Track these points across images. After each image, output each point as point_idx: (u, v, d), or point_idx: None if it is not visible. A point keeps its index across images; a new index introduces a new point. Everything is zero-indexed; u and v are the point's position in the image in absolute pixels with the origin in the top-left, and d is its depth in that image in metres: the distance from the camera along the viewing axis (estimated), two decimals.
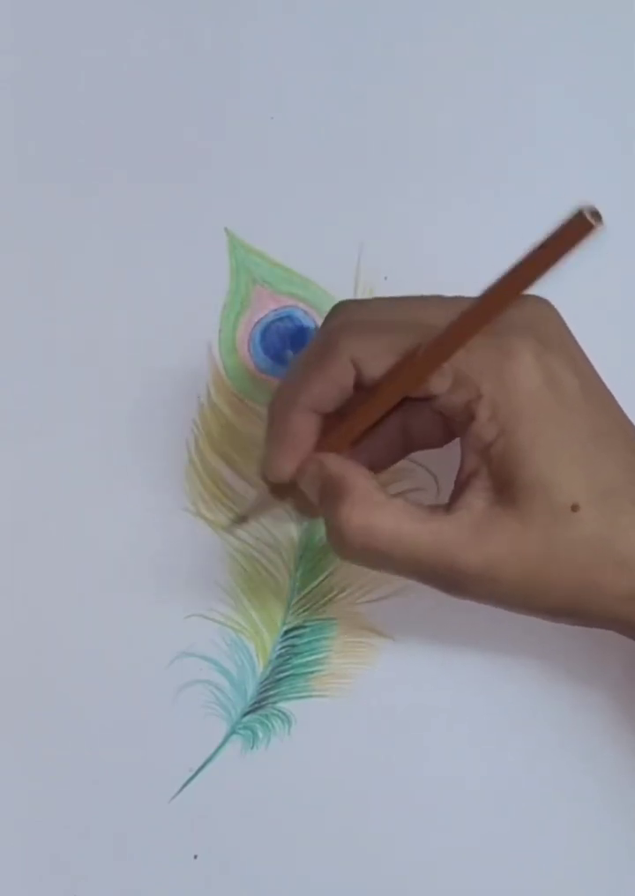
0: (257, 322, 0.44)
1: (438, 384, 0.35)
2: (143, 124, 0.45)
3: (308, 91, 0.45)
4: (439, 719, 0.43)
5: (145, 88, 0.45)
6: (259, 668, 0.43)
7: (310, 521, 0.43)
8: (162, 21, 0.45)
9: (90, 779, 0.43)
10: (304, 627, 0.43)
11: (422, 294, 0.37)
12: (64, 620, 0.43)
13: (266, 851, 0.43)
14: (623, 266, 0.44)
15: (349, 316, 0.37)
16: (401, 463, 0.41)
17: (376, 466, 0.39)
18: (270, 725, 0.43)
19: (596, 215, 0.29)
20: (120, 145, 0.45)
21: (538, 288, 0.32)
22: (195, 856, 0.43)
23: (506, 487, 0.34)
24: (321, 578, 0.44)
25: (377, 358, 0.35)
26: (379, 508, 0.35)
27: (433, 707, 0.43)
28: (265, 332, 0.44)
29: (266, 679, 0.43)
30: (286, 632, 0.43)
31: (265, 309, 0.44)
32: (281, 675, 0.43)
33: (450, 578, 0.35)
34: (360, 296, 0.44)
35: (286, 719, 0.43)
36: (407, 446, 0.40)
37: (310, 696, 0.43)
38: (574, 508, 0.34)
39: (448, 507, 0.35)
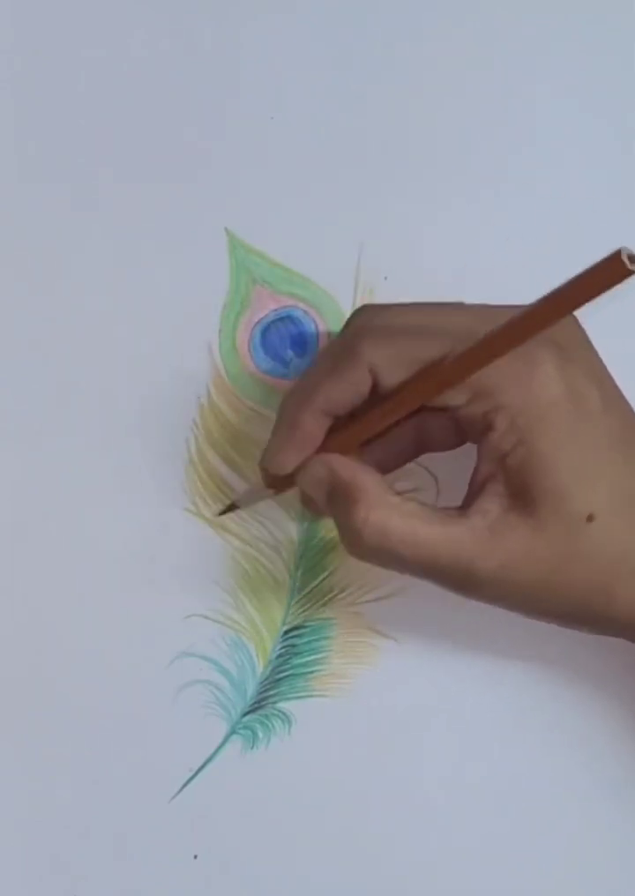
0: (258, 322, 0.44)
1: (456, 396, 0.35)
2: (143, 124, 0.45)
3: (308, 91, 0.45)
4: (439, 719, 0.43)
5: (145, 88, 0.45)
6: (259, 668, 0.43)
7: (310, 521, 0.43)
8: (162, 21, 0.45)
9: (90, 779, 0.43)
10: (304, 627, 0.43)
11: (444, 300, 0.37)
12: (64, 620, 0.43)
13: (266, 851, 0.43)
14: None
15: (370, 320, 0.37)
16: None
17: (384, 468, 0.39)
18: (270, 725, 0.43)
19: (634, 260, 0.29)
20: (120, 144, 0.45)
21: None
22: (195, 856, 0.43)
23: (522, 494, 0.34)
24: (321, 578, 0.44)
25: (396, 367, 0.35)
26: (394, 509, 0.35)
27: (433, 707, 0.43)
28: (266, 332, 0.44)
29: (266, 679, 0.43)
30: (286, 632, 0.43)
31: (265, 309, 0.44)
32: (281, 675, 0.43)
33: (463, 580, 0.35)
34: (360, 296, 0.44)
35: (286, 719, 0.43)
36: (417, 450, 0.40)
37: (310, 696, 0.43)
38: (590, 518, 0.34)
39: (462, 510, 0.35)
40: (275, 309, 0.44)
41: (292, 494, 0.42)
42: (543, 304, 0.32)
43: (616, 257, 0.29)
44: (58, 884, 0.42)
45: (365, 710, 0.43)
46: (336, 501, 0.36)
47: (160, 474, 0.43)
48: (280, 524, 0.44)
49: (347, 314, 0.39)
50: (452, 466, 0.38)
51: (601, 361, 0.36)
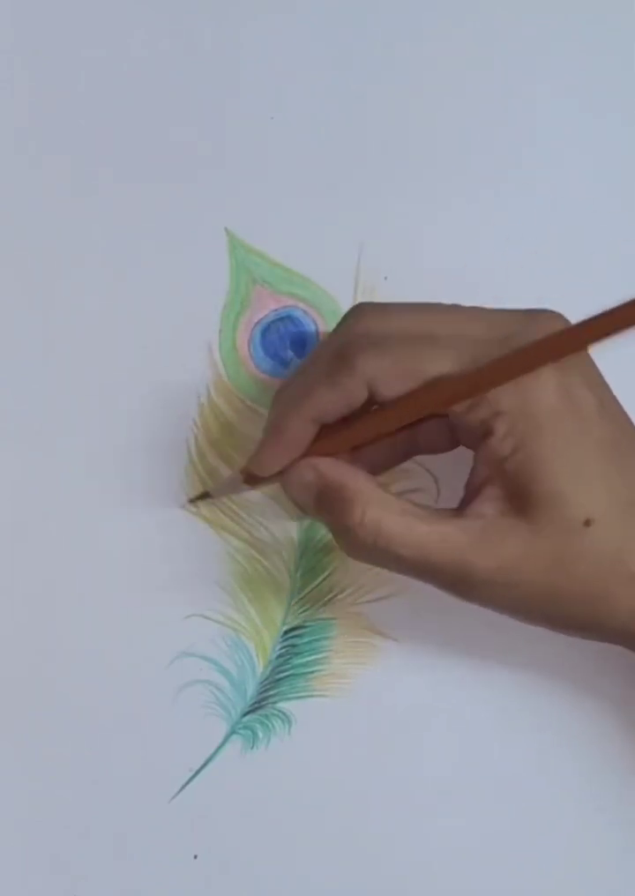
0: (258, 322, 0.44)
1: (454, 408, 0.35)
2: (143, 124, 0.45)
3: (308, 91, 0.45)
4: (439, 719, 0.43)
5: (145, 88, 0.45)
6: (259, 668, 0.43)
7: (310, 521, 0.43)
8: (162, 21, 0.45)
9: (90, 779, 0.43)
10: (304, 627, 0.43)
11: (443, 303, 0.36)
12: (64, 620, 0.43)
13: (266, 851, 0.43)
14: (623, 267, 0.44)
15: (367, 326, 0.36)
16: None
17: (375, 469, 0.39)
18: (270, 725, 0.43)
19: None
20: (120, 144, 0.45)
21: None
22: (195, 856, 0.43)
23: (520, 498, 0.34)
24: (321, 578, 0.44)
25: (393, 380, 0.35)
26: (389, 507, 0.35)
27: (433, 707, 0.43)
28: (266, 332, 0.44)
29: (266, 679, 0.43)
30: (286, 632, 0.43)
31: (265, 309, 0.44)
32: (281, 675, 0.43)
33: (459, 580, 0.35)
34: (359, 296, 0.44)
35: (286, 719, 0.43)
36: (410, 451, 0.40)
37: (311, 696, 0.43)
38: (587, 523, 0.34)
39: (458, 512, 0.35)
40: (275, 309, 0.44)
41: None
42: (556, 338, 0.32)
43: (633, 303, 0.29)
44: (58, 884, 0.42)
45: (365, 710, 0.43)
46: (327, 503, 0.36)
47: (160, 474, 0.43)
48: (280, 524, 0.44)
49: None
50: (452, 467, 0.38)
51: (597, 368, 0.36)
